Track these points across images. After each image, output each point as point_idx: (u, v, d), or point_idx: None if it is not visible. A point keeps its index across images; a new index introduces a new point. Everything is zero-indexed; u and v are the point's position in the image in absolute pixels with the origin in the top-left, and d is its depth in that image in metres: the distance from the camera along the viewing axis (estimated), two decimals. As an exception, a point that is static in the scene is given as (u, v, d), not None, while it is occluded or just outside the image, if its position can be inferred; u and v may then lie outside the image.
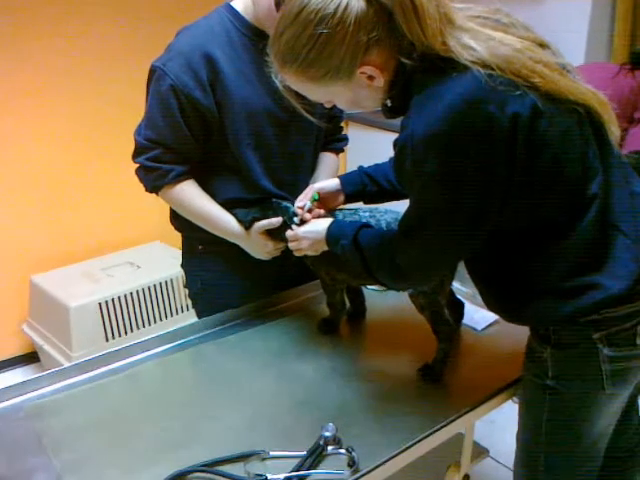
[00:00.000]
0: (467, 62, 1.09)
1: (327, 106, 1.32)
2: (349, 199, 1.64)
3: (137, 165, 1.65)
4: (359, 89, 1.21)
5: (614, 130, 1.22)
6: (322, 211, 1.60)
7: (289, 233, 1.57)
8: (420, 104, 1.13)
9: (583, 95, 1.16)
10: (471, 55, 1.09)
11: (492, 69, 1.09)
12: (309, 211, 1.58)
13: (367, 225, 1.42)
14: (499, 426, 2.40)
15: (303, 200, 1.60)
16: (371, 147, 3.77)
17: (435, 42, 1.11)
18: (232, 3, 1.62)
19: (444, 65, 1.11)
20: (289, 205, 1.64)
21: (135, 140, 1.62)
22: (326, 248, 1.50)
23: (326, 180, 1.67)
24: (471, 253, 1.29)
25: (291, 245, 1.58)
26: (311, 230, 1.53)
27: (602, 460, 1.40)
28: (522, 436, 1.41)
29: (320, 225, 1.51)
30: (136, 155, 1.63)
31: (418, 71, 1.14)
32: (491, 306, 1.37)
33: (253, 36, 1.60)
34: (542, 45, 1.19)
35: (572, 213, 1.19)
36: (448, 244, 1.22)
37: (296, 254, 1.60)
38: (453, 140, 1.09)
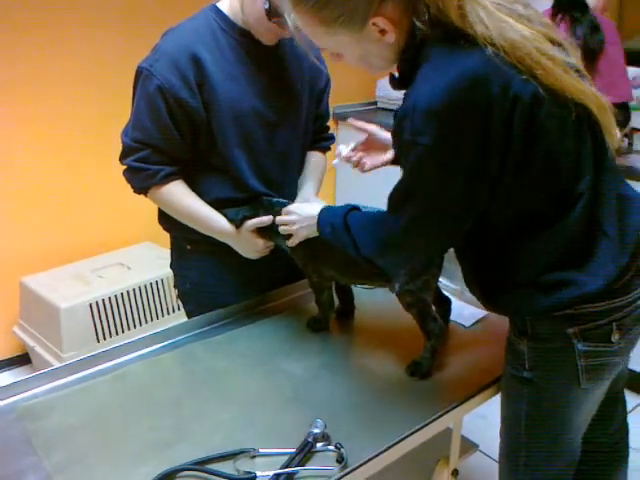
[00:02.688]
0: (477, 36, 1.09)
1: (335, 61, 1.30)
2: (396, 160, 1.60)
3: (125, 166, 1.65)
4: (369, 44, 1.20)
5: (612, 134, 1.22)
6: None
7: (282, 215, 1.59)
8: (425, 76, 1.14)
9: (584, 96, 1.16)
10: (482, 31, 1.10)
11: (499, 50, 1.09)
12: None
13: (358, 208, 1.44)
14: (490, 421, 2.40)
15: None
16: (360, 145, 3.79)
17: (451, 6, 1.11)
18: (218, 4, 1.63)
19: (455, 36, 1.12)
20: (281, 200, 1.66)
21: (122, 141, 1.62)
22: (313, 233, 1.51)
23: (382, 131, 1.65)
24: (455, 238, 1.30)
25: (281, 228, 1.59)
26: (303, 207, 1.55)
27: (580, 453, 1.42)
28: (503, 430, 1.43)
29: (314, 207, 1.52)
30: (124, 156, 1.63)
31: (429, 39, 1.15)
32: (473, 292, 1.39)
33: (239, 36, 1.61)
34: (553, 41, 1.18)
35: (558, 208, 1.20)
36: (433, 222, 1.22)
37: (286, 241, 1.60)
38: (452, 116, 1.09)
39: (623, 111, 2.72)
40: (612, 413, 1.57)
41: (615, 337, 1.24)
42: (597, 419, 1.42)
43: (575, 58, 1.21)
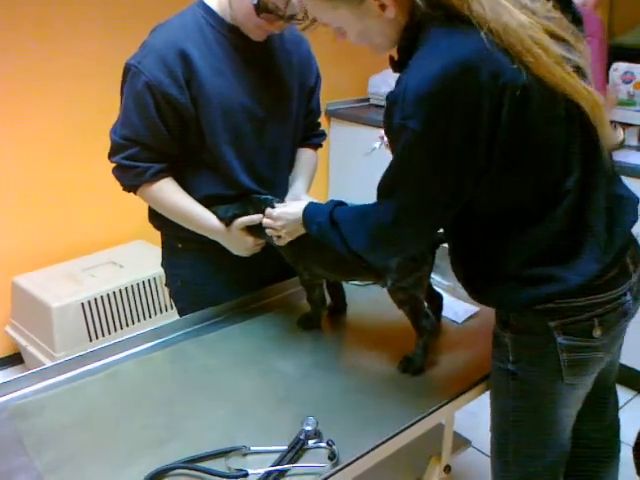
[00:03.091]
0: (472, 16, 1.10)
1: (338, 38, 1.30)
2: None
3: (114, 164, 1.64)
4: (369, 19, 1.21)
5: (605, 132, 1.20)
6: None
7: (266, 219, 1.59)
8: (418, 60, 1.14)
9: (575, 91, 1.15)
10: (478, 10, 1.10)
11: (492, 33, 1.09)
12: None
13: (343, 203, 1.44)
14: (482, 417, 2.40)
15: None
16: (353, 142, 3.79)
17: None
18: (205, 0, 1.62)
19: (454, 19, 1.12)
20: (269, 197, 1.66)
21: (111, 139, 1.62)
22: (302, 231, 1.52)
23: None
24: (442, 224, 1.29)
25: (268, 231, 1.60)
26: (287, 211, 1.55)
27: (570, 449, 1.42)
28: (493, 424, 1.43)
29: (297, 206, 1.53)
30: (113, 154, 1.62)
31: (428, 21, 1.15)
32: (459, 280, 1.39)
33: (227, 32, 1.60)
34: (555, 35, 1.16)
35: (543, 203, 1.21)
36: (422, 209, 1.22)
37: (273, 238, 1.61)
38: (442, 101, 1.09)
39: None
40: (603, 408, 1.57)
41: (597, 333, 1.24)
42: (587, 414, 1.43)
43: (579, 56, 1.19)
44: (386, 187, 1.24)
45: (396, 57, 1.27)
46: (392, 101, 1.16)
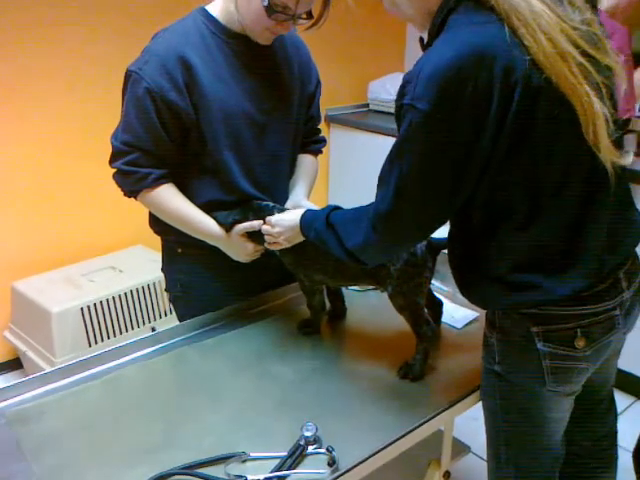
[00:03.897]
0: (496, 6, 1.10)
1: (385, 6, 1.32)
2: None
3: (115, 170, 1.64)
4: None
5: (598, 145, 1.14)
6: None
7: (264, 225, 1.60)
8: (439, 44, 1.15)
9: (573, 91, 1.11)
10: None
11: (500, 13, 1.10)
12: None
13: (340, 208, 1.44)
14: (482, 423, 2.40)
15: None
16: (353, 148, 3.80)
17: None
18: (207, 7, 1.63)
19: (481, 7, 1.13)
20: (270, 204, 1.66)
21: (112, 144, 1.62)
22: (300, 238, 1.52)
23: None
24: (440, 219, 1.26)
25: (265, 237, 1.60)
26: (285, 218, 1.56)
27: (564, 453, 1.42)
28: (485, 424, 1.43)
29: (294, 213, 1.54)
30: (113, 159, 1.62)
31: (457, 5, 1.16)
32: (454, 278, 1.39)
33: (228, 38, 1.61)
34: (573, 42, 1.11)
35: (535, 210, 1.19)
36: (418, 195, 1.20)
37: (270, 247, 1.62)
38: (452, 87, 1.09)
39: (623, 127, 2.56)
40: (595, 420, 1.56)
41: (579, 343, 1.23)
42: (578, 424, 1.43)
43: (602, 71, 1.15)
44: (385, 170, 1.22)
45: (424, 40, 1.27)
46: (406, 81, 1.15)
